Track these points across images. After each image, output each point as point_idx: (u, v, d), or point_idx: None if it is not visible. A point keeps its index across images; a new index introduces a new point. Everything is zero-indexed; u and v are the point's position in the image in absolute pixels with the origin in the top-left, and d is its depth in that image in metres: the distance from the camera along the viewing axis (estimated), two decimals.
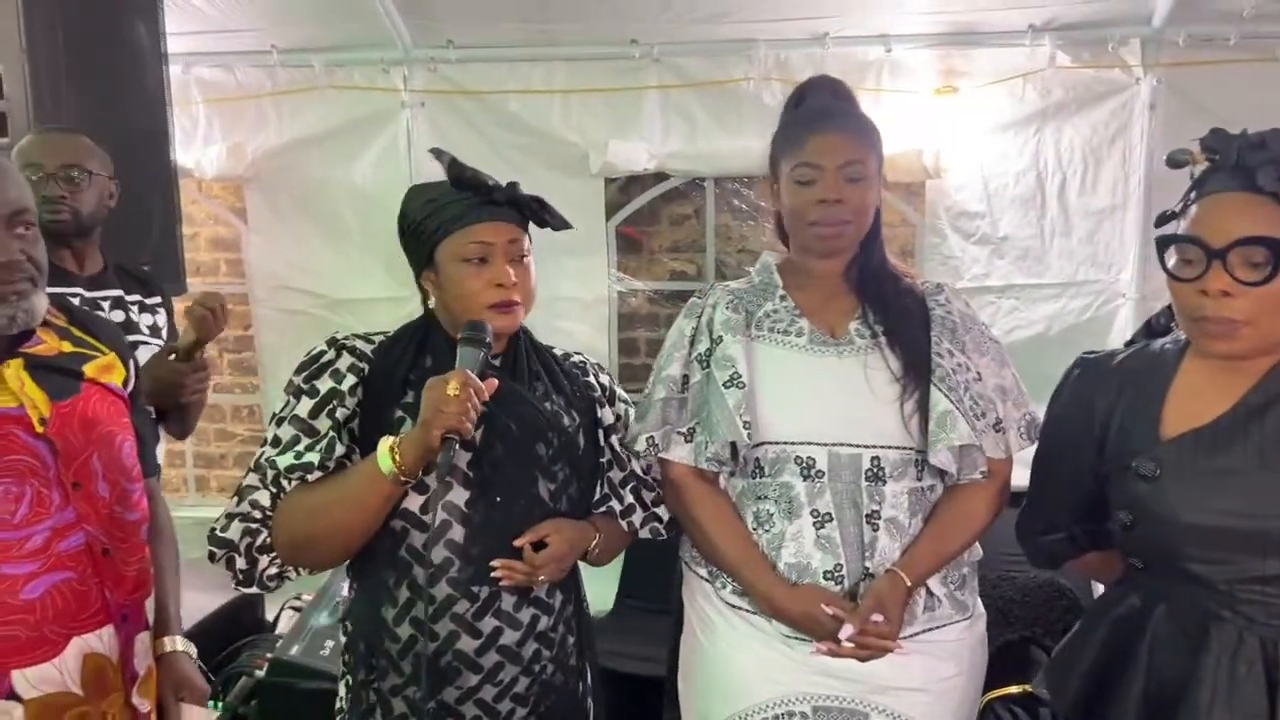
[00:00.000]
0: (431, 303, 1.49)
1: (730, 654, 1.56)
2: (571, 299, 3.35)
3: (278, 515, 1.39)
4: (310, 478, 1.37)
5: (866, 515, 1.48)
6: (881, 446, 1.50)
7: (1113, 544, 1.42)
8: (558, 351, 1.64)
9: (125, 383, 1.50)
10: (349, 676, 1.50)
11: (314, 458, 1.37)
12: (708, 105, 3.18)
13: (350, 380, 1.42)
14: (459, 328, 1.42)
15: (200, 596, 2.67)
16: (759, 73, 3.10)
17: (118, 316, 2.15)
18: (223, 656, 2.77)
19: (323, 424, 1.39)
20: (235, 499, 1.42)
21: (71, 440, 1.35)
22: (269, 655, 2.57)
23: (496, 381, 1.38)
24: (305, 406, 1.40)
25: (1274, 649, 1.22)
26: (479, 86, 3.23)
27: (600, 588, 3.36)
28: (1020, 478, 1.62)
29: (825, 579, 1.48)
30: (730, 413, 1.48)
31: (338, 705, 1.54)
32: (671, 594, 2.24)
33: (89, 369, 1.42)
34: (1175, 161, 1.30)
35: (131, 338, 2.15)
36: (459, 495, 1.40)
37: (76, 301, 2.07)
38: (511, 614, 1.44)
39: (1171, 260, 1.26)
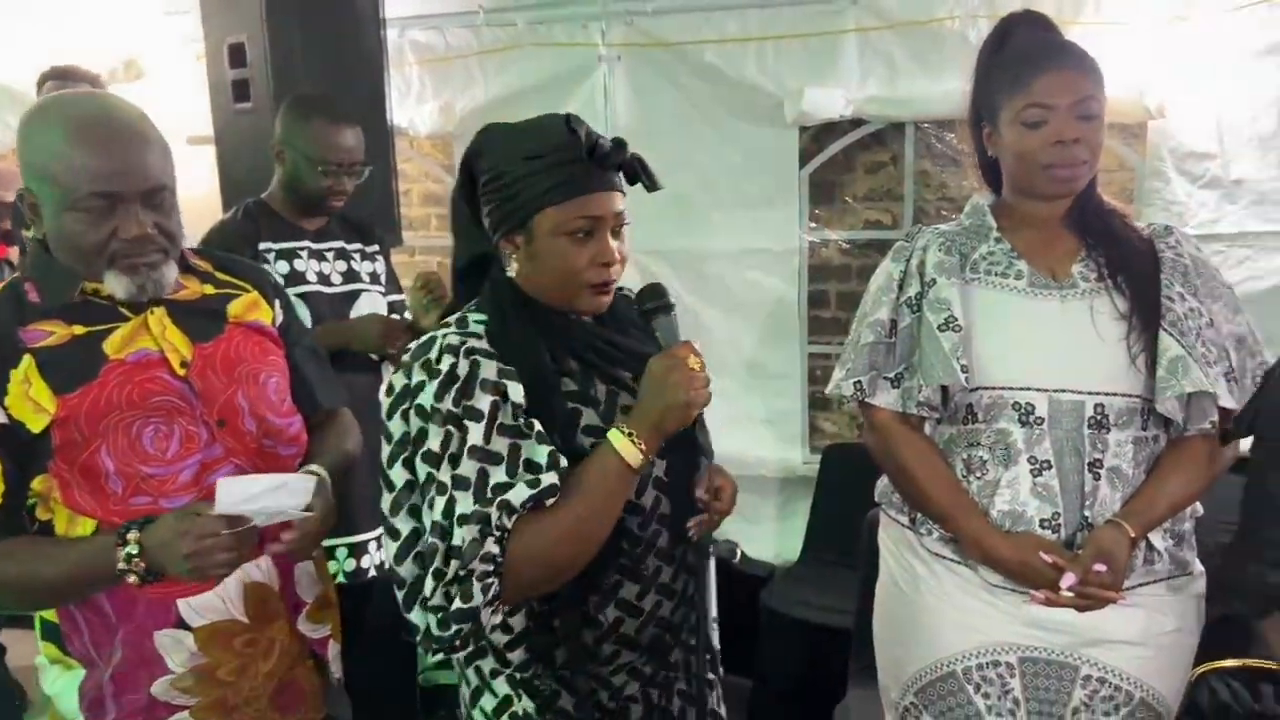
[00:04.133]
0: (511, 269, 1.31)
1: (933, 603, 1.55)
2: (762, 250, 3.33)
3: (516, 558, 1.18)
4: (549, 503, 1.19)
5: (1089, 464, 1.43)
6: (1106, 393, 1.44)
7: None
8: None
9: (274, 320, 1.54)
10: (517, 674, 1.32)
11: (551, 479, 1.19)
12: (909, 47, 3.05)
13: (515, 389, 1.22)
14: (552, 300, 1.30)
15: None
16: (965, 10, 2.95)
17: (341, 266, 2.34)
18: None
19: (500, 445, 1.20)
20: (455, 562, 1.17)
21: (213, 380, 1.40)
22: None
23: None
24: (477, 433, 1.19)
25: None
26: (674, 38, 3.23)
27: (788, 540, 3.39)
28: (1249, 440, 1.51)
29: (1041, 527, 1.44)
30: (946, 356, 1.46)
31: (483, 706, 1.34)
32: (858, 545, 2.24)
33: (233, 308, 1.48)
34: None
35: (354, 285, 2.35)
36: (659, 466, 1.31)
37: (305, 254, 2.28)
38: (691, 563, 1.38)
39: None
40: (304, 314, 2.19)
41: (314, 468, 1.45)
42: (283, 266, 2.24)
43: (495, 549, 1.17)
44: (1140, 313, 1.45)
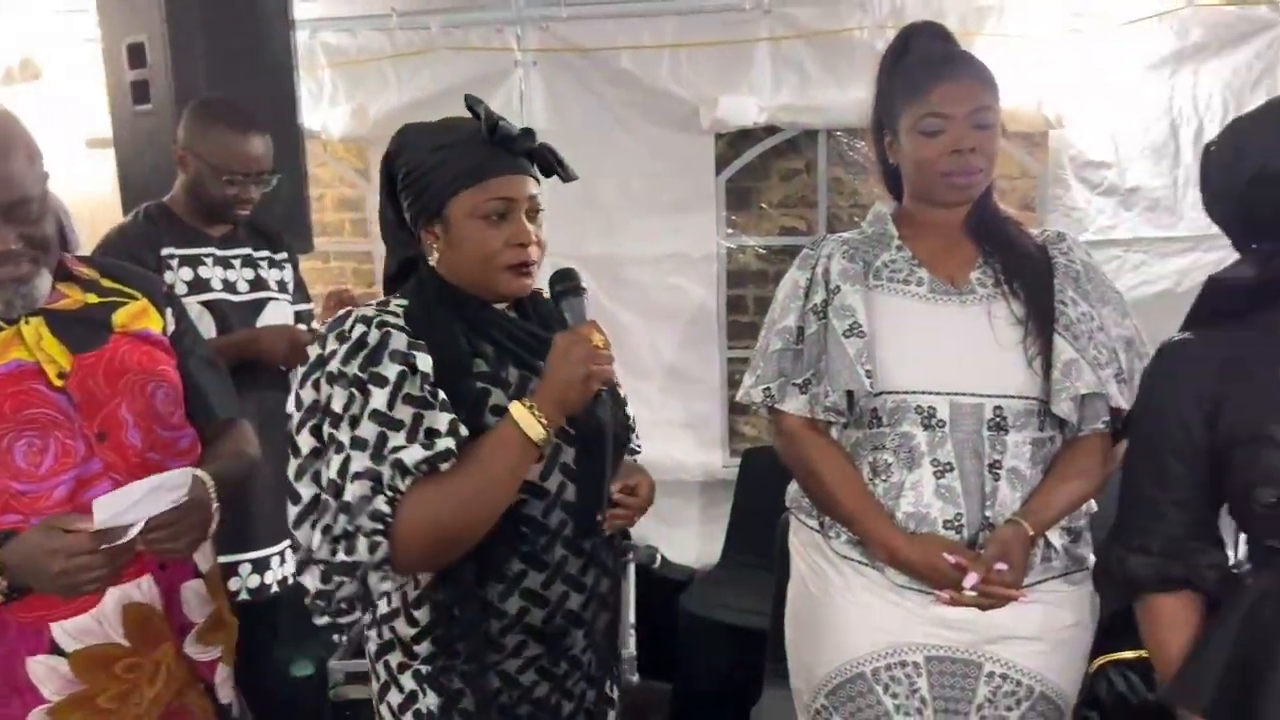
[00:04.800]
0: (433, 259, 1.32)
1: (842, 604, 1.57)
2: (680, 256, 3.35)
3: (406, 520, 1.18)
4: (444, 467, 1.20)
5: (989, 465, 1.47)
6: (1004, 396, 1.48)
7: (1204, 586, 1.27)
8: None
9: (164, 329, 1.49)
10: (422, 667, 1.31)
11: (448, 443, 1.20)
12: (820, 56, 3.11)
13: (424, 360, 1.23)
14: (473, 287, 1.31)
15: None
16: (874, 21, 3.02)
17: (248, 274, 2.27)
18: None
19: (403, 413, 1.20)
20: (343, 516, 1.18)
21: (94, 391, 1.35)
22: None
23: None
24: (380, 398, 1.20)
25: None
26: (590, 44, 3.23)
27: (709, 543, 3.41)
28: None
29: (945, 528, 1.48)
30: (851, 362, 1.48)
31: (389, 701, 1.35)
32: (775, 548, 2.27)
33: (118, 317, 1.42)
34: None
35: (261, 294, 2.28)
36: (568, 454, 1.31)
37: (210, 261, 2.21)
38: (603, 559, 1.38)
39: None
40: (208, 323, 2.14)
41: (194, 470, 1.39)
42: (186, 273, 2.17)
43: (385, 508, 1.18)
44: (1035, 318, 1.49)
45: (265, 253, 2.33)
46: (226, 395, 1.58)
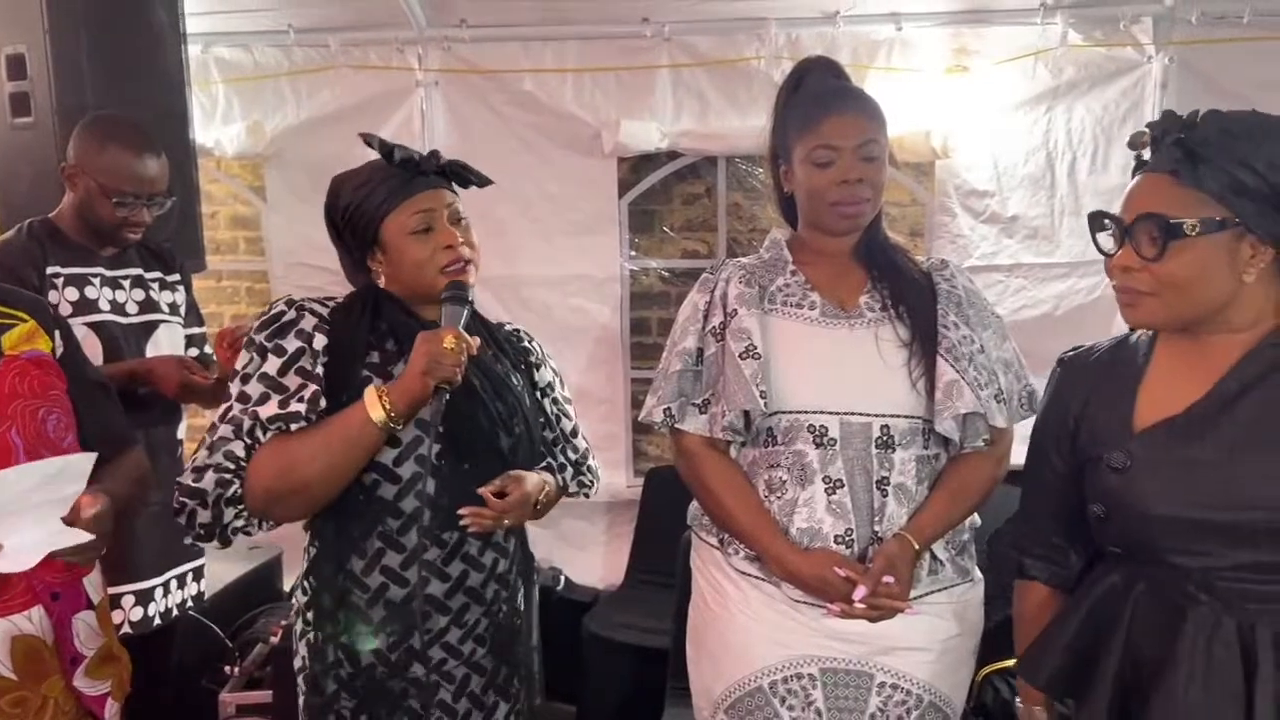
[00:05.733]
0: (381, 282, 1.52)
1: (740, 619, 1.60)
2: (584, 277, 3.38)
3: (255, 465, 1.38)
4: (293, 428, 1.38)
5: (877, 481, 1.53)
6: (891, 415, 1.54)
7: (1057, 581, 1.45)
8: (492, 321, 1.70)
9: (53, 351, 1.46)
10: (311, 633, 1.51)
11: (299, 408, 1.38)
12: (719, 84, 3.20)
13: (320, 340, 1.43)
14: (418, 299, 1.50)
15: (220, 566, 2.75)
16: (770, 51, 3.11)
17: (138, 295, 2.20)
18: (240, 624, 2.85)
19: (291, 381, 1.40)
20: (205, 452, 1.39)
21: None
22: (283, 623, 2.65)
23: (478, 340, 1.46)
24: (273, 364, 1.41)
25: (1251, 632, 1.20)
26: (492, 65, 3.25)
27: (614, 563, 3.42)
28: (1020, 455, 1.66)
29: (836, 543, 1.52)
30: (747, 383, 1.52)
31: (298, 664, 1.55)
32: (677, 566, 2.30)
33: (7, 340, 1.40)
34: (1133, 144, 1.29)
35: (152, 316, 2.21)
36: (429, 448, 1.44)
37: (97, 281, 2.12)
38: (476, 557, 1.51)
39: (1100, 237, 1.29)
40: (94, 345, 2.05)
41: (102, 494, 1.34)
42: (72, 293, 2.07)
43: (240, 452, 1.38)
44: (920, 340, 1.56)
45: (157, 273, 2.26)
46: (118, 419, 1.55)
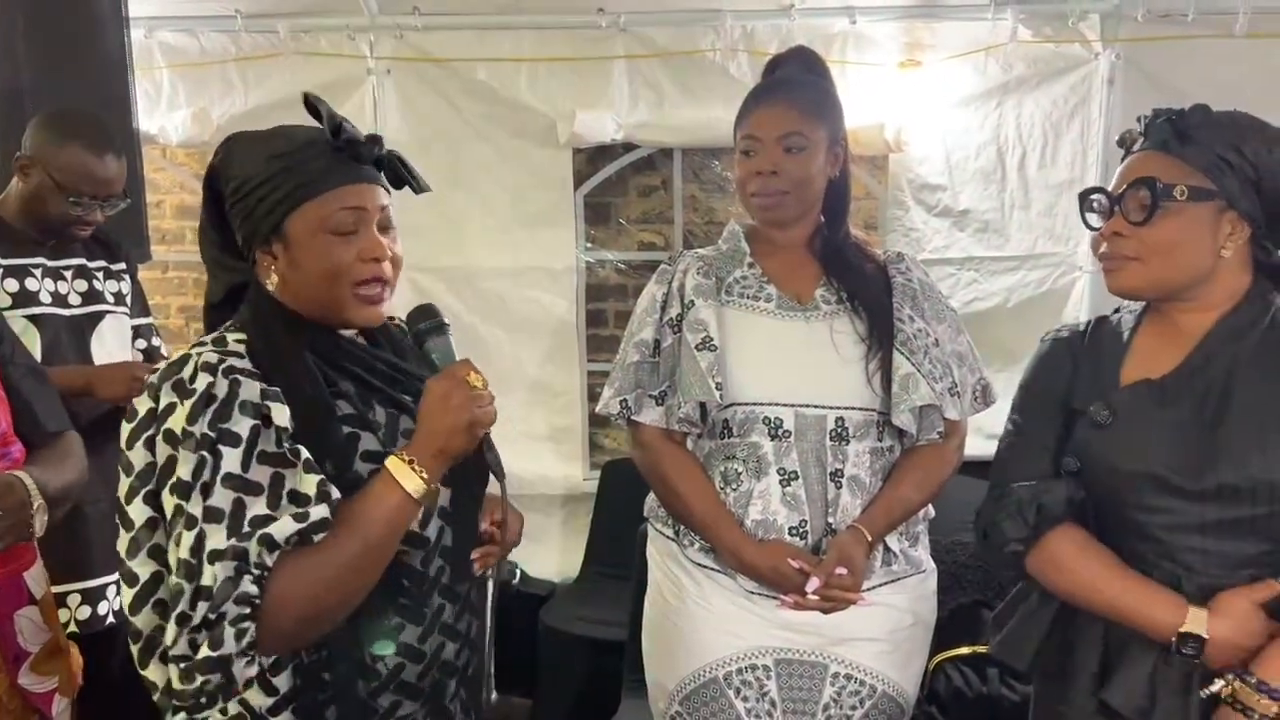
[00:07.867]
0: (270, 284, 1.17)
1: (696, 611, 1.60)
2: (540, 269, 3.35)
3: (278, 597, 1.05)
4: (318, 538, 1.07)
5: (831, 473, 1.54)
6: (846, 407, 1.55)
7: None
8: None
9: None
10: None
11: (323, 511, 1.06)
12: (674, 76, 3.18)
13: (279, 409, 1.09)
14: (318, 314, 1.18)
15: None
16: (725, 44, 3.11)
17: (80, 286, 2.14)
18: None
19: (260, 474, 1.07)
20: (201, 603, 1.03)
21: None
22: None
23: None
24: (232, 459, 1.06)
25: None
26: (445, 54, 3.20)
27: (571, 556, 3.42)
28: (974, 447, 1.69)
29: (790, 535, 1.53)
30: (702, 374, 1.52)
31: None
32: (634, 559, 2.30)
33: None
34: (1122, 142, 1.37)
35: (96, 307, 2.16)
36: (444, 496, 1.22)
37: (39, 272, 2.07)
38: (474, 603, 1.30)
39: (1089, 215, 1.36)
40: (33, 338, 2.00)
41: (15, 473, 1.29)
42: (11, 284, 2.01)
43: (253, 589, 1.03)
44: (876, 334, 1.57)
45: (101, 262, 2.20)
46: (53, 405, 1.51)
